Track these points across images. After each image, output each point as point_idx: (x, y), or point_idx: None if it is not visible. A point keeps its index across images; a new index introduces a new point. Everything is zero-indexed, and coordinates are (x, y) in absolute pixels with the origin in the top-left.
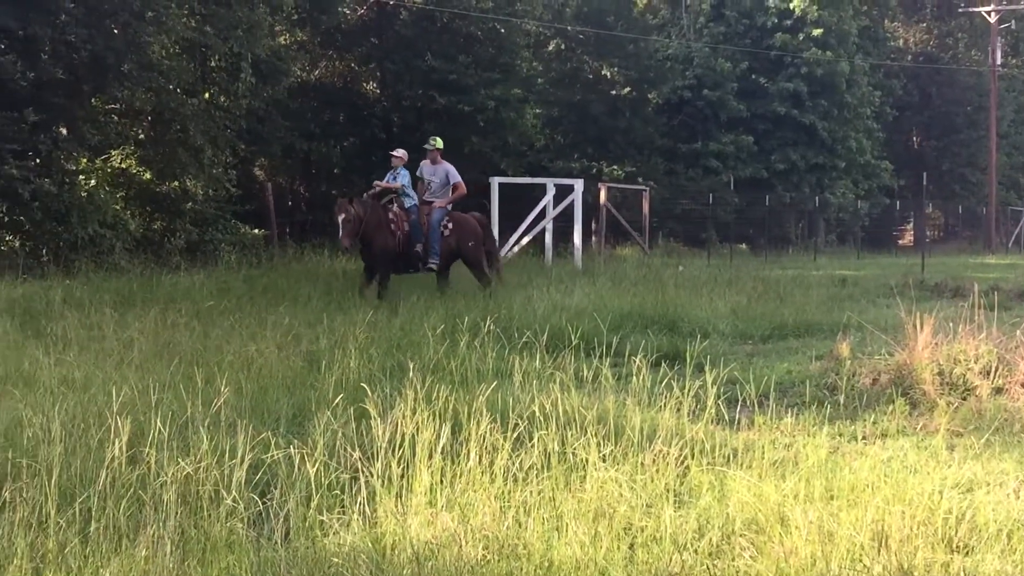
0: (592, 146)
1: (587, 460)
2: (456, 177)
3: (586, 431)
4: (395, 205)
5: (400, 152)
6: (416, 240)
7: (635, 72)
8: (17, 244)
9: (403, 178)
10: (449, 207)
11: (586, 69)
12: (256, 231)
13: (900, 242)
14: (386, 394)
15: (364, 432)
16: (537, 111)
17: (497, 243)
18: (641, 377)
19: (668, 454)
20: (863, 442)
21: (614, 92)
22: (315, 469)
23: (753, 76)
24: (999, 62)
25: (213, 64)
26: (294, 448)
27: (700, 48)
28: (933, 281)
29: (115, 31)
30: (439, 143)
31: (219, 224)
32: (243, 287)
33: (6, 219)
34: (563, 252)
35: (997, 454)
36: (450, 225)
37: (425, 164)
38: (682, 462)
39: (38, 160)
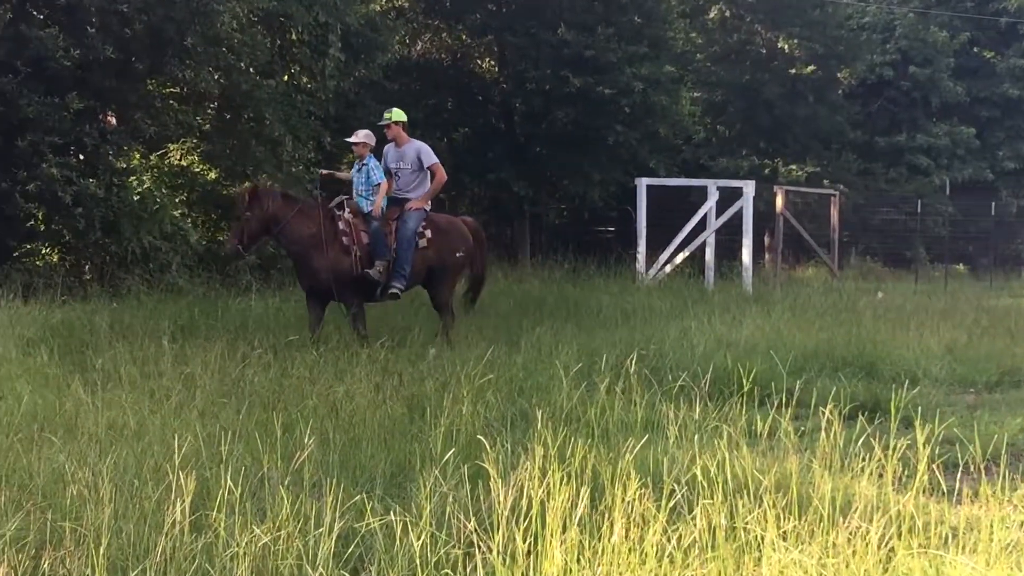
0: (765, 139)
1: (763, 538)
2: (431, 158)
3: (761, 501)
4: (346, 210)
5: (361, 135)
6: (378, 257)
7: (820, 45)
8: (56, 258)
9: (373, 173)
10: (428, 206)
11: (758, 42)
12: None
13: None
14: (507, 449)
15: (481, 496)
16: (695, 95)
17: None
18: (832, 433)
19: (867, 532)
20: None
21: (793, 71)
22: (420, 542)
23: (975, 49)
24: None
25: (294, 37)
26: (394, 515)
27: (905, 14)
28: None
29: None
30: (398, 115)
31: None
32: (327, 314)
33: (43, 228)
34: (728, 272)
35: None
36: (428, 233)
37: (389, 148)
38: (886, 543)
39: (82, 156)
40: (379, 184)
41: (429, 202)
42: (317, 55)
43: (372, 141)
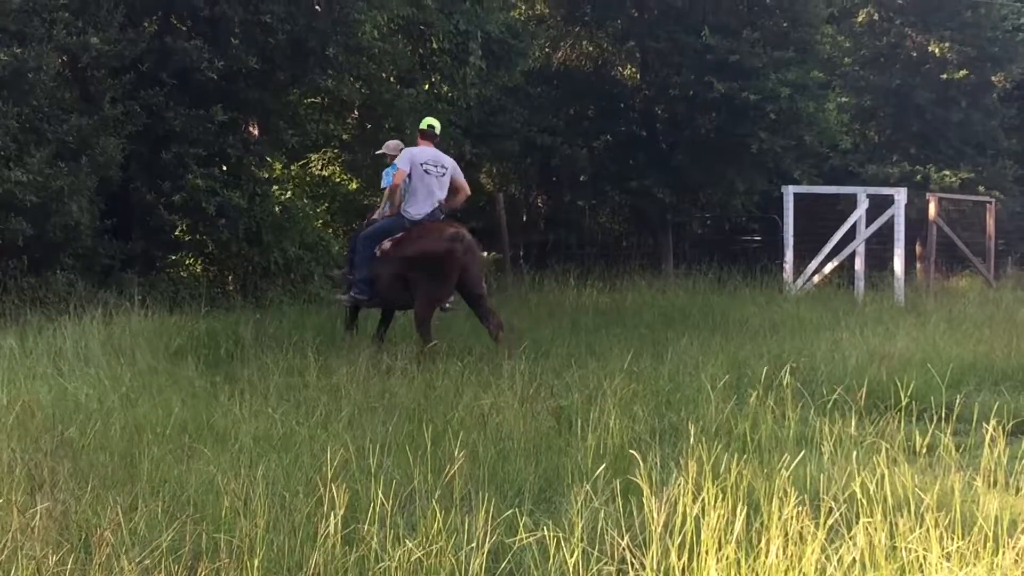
0: (916, 145)
1: (925, 558)
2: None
3: (923, 519)
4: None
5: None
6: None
7: (973, 48)
8: (199, 269)
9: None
10: (385, 211)
11: (908, 45)
12: (484, 254)
13: None
14: (658, 464)
15: (633, 512)
16: (843, 100)
17: (484, 284)
18: (997, 451)
19: None
20: None
21: (945, 75)
22: (573, 558)
23: None
24: None
25: (435, 46)
26: (545, 530)
27: None
28: None
29: (318, 8)
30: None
31: None
32: (467, 324)
33: (187, 239)
34: (879, 282)
35: None
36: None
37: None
38: None
39: (225, 167)
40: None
41: (387, 206)
42: (458, 63)
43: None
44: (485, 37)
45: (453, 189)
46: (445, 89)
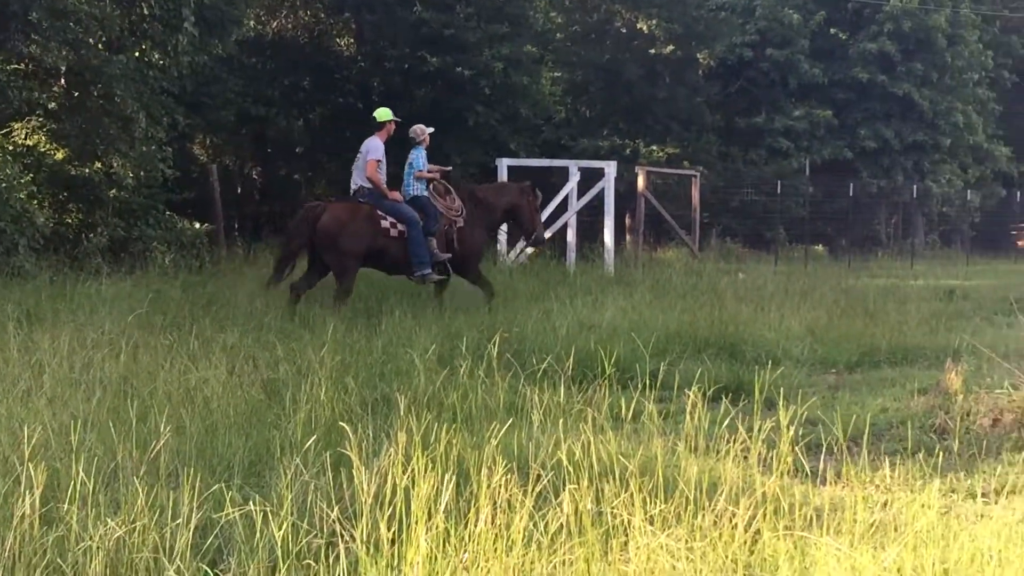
0: (626, 120)
1: (630, 522)
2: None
3: (627, 485)
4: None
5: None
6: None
7: (680, 26)
8: None
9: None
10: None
11: (618, 22)
12: (197, 226)
13: (1021, 244)
14: (369, 436)
15: (343, 485)
16: (556, 75)
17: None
18: (696, 416)
19: (734, 515)
20: (984, 500)
21: (653, 51)
22: (281, 532)
23: (832, 31)
24: None
25: (145, 11)
26: (253, 505)
27: None
28: None
29: None
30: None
31: (151, 217)
32: (181, 297)
33: None
34: (590, 254)
35: None
36: None
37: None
38: (752, 525)
39: None
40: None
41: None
42: (170, 30)
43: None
44: (198, 3)
45: None
46: (156, 57)
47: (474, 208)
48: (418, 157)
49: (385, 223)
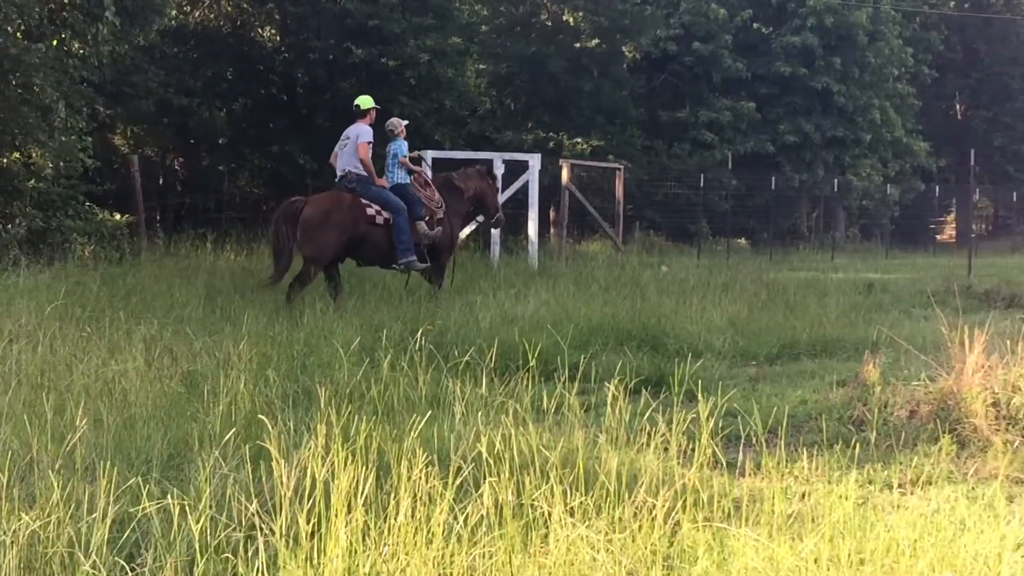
0: (551, 113)
1: (550, 514)
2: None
3: (548, 477)
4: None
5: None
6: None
7: (605, 19)
8: None
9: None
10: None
11: (543, 14)
12: (117, 217)
13: (939, 237)
14: (290, 428)
15: (263, 478)
16: (481, 67)
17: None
18: (617, 408)
19: (653, 507)
20: (900, 491)
21: (578, 44)
22: (199, 525)
23: (755, 26)
24: None
25: (66, 0)
26: (171, 498)
27: None
28: (982, 287)
29: None
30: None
31: (70, 208)
32: (101, 288)
33: None
34: (514, 247)
35: None
36: None
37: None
38: (671, 517)
39: None
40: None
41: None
42: (90, 19)
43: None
44: None
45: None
46: (76, 46)
47: (450, 197)
48: (401, 147)
49: (371, 210)
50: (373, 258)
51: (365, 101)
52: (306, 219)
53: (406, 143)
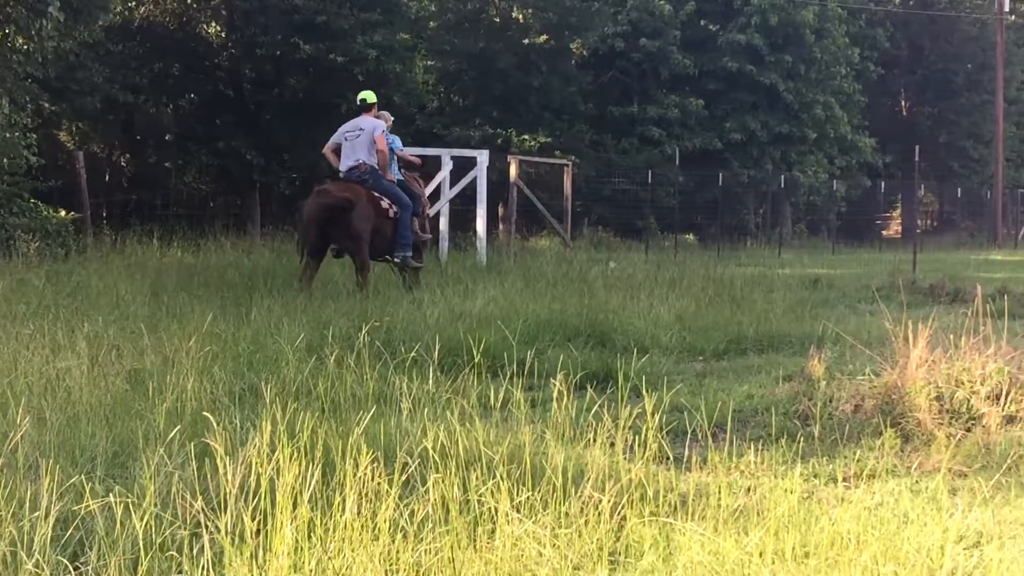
0: (499, 109)
1: (497, 510)
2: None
3: (495, 473)
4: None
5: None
6: None
7: (553, 15)
8: None
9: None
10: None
11: (491, 11)
12: (63, 214)
13: (885, 233)
14: (235, 426)
15: (208, 475)
16: (429, 63)
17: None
18: (563, 404)
19: (600, 502)
20: (844, 485)
21: (527, 41)
22: (143, 523)
23: (702, 22)
24: (1006, 8)
25: None
26: (115, 496)
27: None
28: (927, 282)
29: None
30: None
31: (14, 205)
32: (45, 285)
33: None
34: (462, 243)
35: (1011, 499)
36: None
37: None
38: (618, 512)
39: None
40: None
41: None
42: (34, 14)
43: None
44: None
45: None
46: (20, 41)
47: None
48: (396, 141)
49: (384, 203)
50: (374, 252)
51: (370, 96)
52: (338, 206)
53: (397, 137)
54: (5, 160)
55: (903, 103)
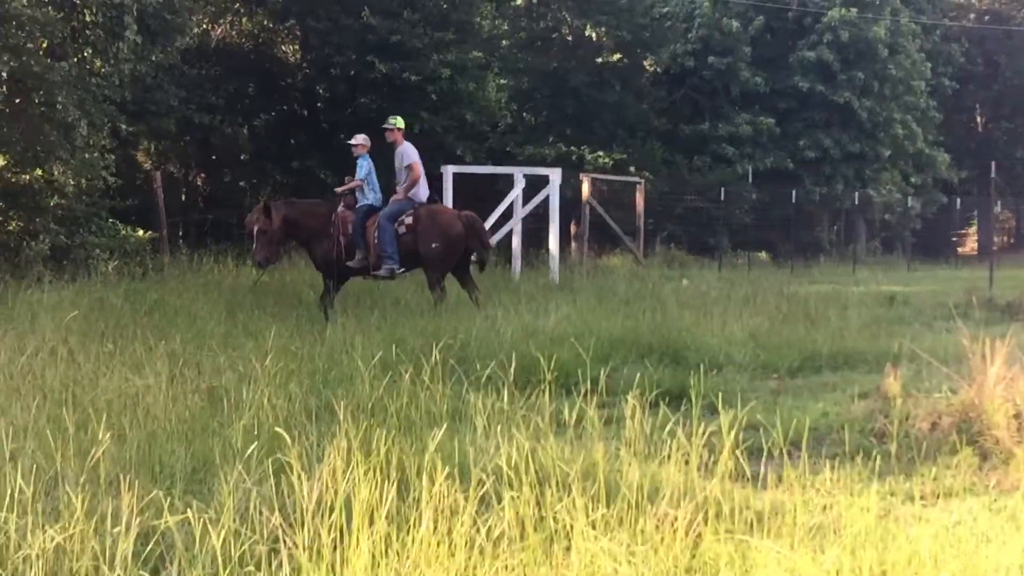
0: (572, 127)
1: (572, 527)
2: (410, 158)
3: (570, 490)
4: (340, 206)
5: (359, 138)
6: (356, 245)
7: (627, 33)
8: None
9: (362, 171)
10: (405, 198)
11: (564, 29)
12: (140, 233)
13: (961, 250)
14: (312, 443)
15: (285, 492)
16: (502, 82)
17: (488, 254)
18: (637, 421)
19: (675, 519)
20: (922, 503)
21: (600, 59)
22: (222, 539)
23: (770, 38)
24: None
25: (88, 18)
26: (194, 512)
27: (702, 3)
28: (1004, 299)
29: None
30: (398, 122)
31: (93, 224)
32: (124, 304)
33: None
34: (535, 261)
35: None
36: (408, 220)
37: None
38: (693, 529)
39: None
40: (363, 179)
41: (406, 194)
42: (112, 37)
43: (368, 144)
44: (141, 11)
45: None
46: (98, 64)
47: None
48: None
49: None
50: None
51: (400, 122)
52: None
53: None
54: (84, 180)
55: (979, 119)
